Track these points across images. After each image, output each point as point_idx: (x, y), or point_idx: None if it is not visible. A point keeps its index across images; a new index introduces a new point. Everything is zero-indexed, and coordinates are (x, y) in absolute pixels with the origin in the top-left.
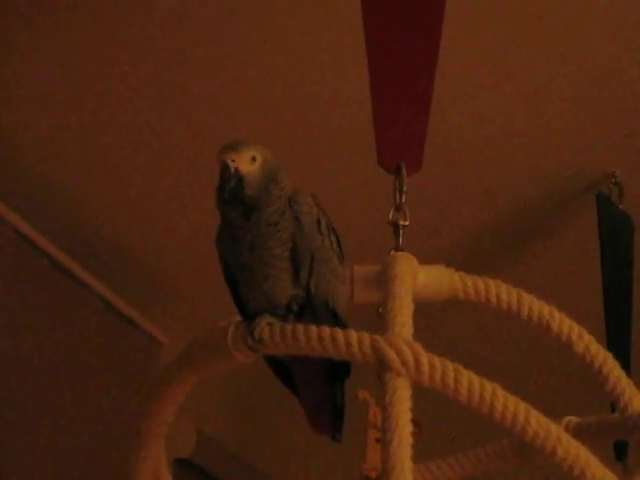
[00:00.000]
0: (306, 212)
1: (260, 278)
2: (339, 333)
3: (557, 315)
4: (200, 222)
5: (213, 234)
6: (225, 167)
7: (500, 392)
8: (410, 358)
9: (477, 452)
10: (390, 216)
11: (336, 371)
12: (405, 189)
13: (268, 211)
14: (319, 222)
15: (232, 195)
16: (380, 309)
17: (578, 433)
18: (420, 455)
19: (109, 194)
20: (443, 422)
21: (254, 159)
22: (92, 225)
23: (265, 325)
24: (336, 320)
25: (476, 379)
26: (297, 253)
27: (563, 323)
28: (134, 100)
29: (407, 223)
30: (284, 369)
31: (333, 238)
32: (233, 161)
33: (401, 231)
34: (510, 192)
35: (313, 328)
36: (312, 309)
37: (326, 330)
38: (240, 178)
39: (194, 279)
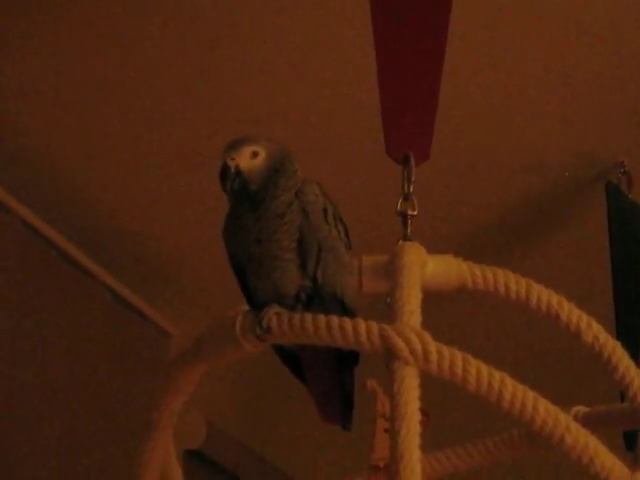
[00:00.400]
0: (312, 202)
1: (268, 269)
2: (347, 322)
3: (566, 304)
4: (208, 212)
5: (221, 224)
6: (224, 167)
7: (509, 381)
8: (418, 347)
9: (486, 442)
10: (398, 206)
11: (345, 360)
12: (413, 179)
13: (275, 203)
14: (326, 211)
15: (237, 192)
16: (388, 299)
17: (587, 423)
18: (428, 444)
19: (117, 185)
20: (452, 411)
21: (255, 154)
22: (100, 216)
23: (273, 314)
24: (344, 310)
25: (484, 368)
26: (304, 243)
27: (572, 312)
28: (142, 93)
29: (415, 213)
30: (293, 358)
31: (340, 227)
32: (233, 159)
33: (409, 221)
34: (518, 182)
35: (321, 317)
36: (320, 299)
37: (334, 319)
38: (242, 175)
39: (202, 270)
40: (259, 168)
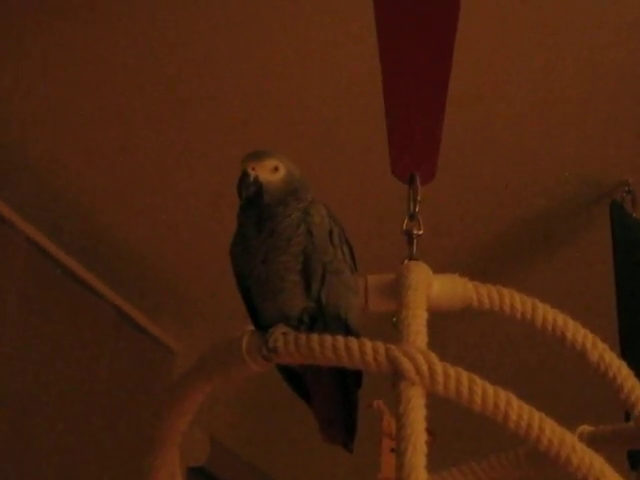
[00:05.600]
0: (318, 224)
1: (273, 290)
2: (353, 342)
3: (571, 324)
4: (214, 231)
5: (227, 243)
6: (244, 175)
7: (514, 401)
8: (424, 367)
9: (491, 461)
10: (404, 225)
11: (349, 381)
12: (419, 198)
13: (282, 225)
14: (331, 233)
15: (250, 202)
16: (394, 318)
17: (592, 442)
18: (434, 464)
19: (122, 202)
20: (457, 431)
21: (276, 169)
22: (105, 233)
23: (279, 334)
24: (348, 331)
25: (490, 388)
26: (309, 265)
27: (577, 332)
28: (149, 111)
29: (421, 232)
30: (297, 378)
31: (346, 249)
32: (253, 169)
33: (415, 240)
34: (523, 201)
35: (327, 337)
36: (324, 320)
37: (340, 339)
38: (259, 186)
39: (207, 288)
40: (277, 184)
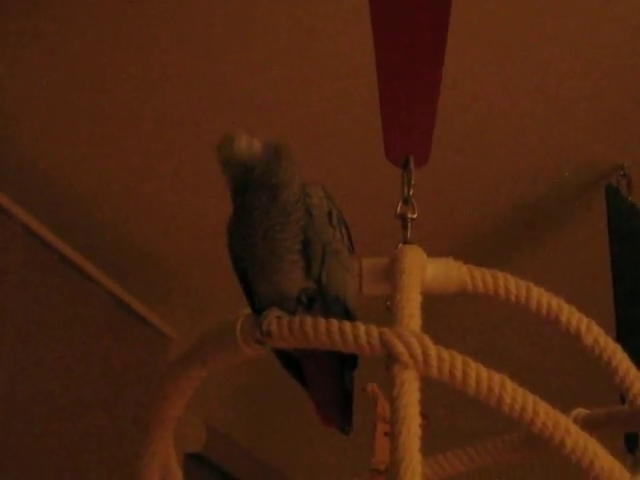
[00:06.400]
0: (317, 205)
1: (271, 270)
2: (347, 326)
3: (566, 307)
4: (208, 216)
5: (222, 228)
6: (222, 146)
7: (508, 384)
8: (418, 350)
9: (486, 445)
10: (398, 209)
11: (345, 363)
12: (413, 182)
13: (285, 194)
14: (330, 214)
15: (239, 181)
16: (388, 302)
17: (587, 425)
18: (429, 448)
19: (117, 189)
20: (452, 414)
21: (253, 143)
22: (100, 220)
23: (273, 318)
24: (346, 312)
25: (484, 371)
26: (309, 246)
27: (572, 315)
28: (145, 101)
29: (415, 216)
30: (293, 362)
31: (344, 230)
32: (232, 141)
33: (409, 224)
34: (518, 185)
35: (321, 321)
36: (323, 302)
37: (334, 323)
38: (240, 158)
39: (203, 273)
40: (257, 154)
